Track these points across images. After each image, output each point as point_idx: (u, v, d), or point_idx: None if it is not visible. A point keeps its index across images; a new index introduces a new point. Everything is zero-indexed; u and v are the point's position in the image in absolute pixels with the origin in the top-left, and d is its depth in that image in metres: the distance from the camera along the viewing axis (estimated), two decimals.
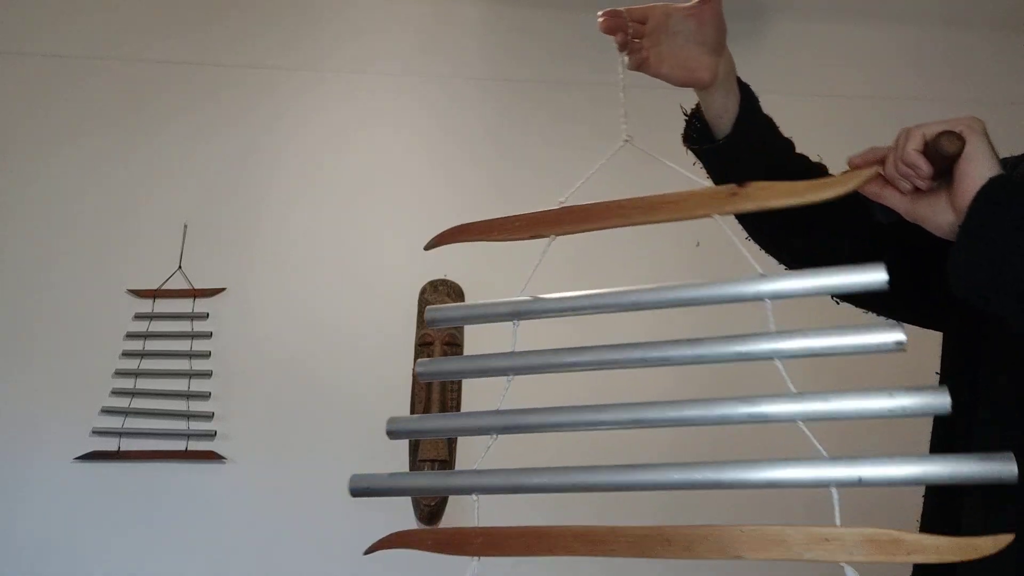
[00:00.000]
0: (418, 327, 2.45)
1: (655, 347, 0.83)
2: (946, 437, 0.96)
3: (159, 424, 2.41)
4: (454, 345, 2.39)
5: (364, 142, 2.75)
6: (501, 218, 0.94)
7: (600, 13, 0.97)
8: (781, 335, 0.78)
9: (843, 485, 0.71)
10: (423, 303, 2.45)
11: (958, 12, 2.95)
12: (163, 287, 2.54)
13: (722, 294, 0.82)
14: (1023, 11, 2.92)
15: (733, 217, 0.97)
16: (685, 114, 1.09)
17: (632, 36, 0.97)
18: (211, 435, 2.40)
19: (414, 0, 2.92)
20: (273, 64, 2.81)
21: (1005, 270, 0.76)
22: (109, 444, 2.38)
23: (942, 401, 0.72)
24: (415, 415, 2.21)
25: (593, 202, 0.90)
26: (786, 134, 1.09)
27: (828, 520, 0.71)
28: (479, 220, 0.96)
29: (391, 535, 0.88)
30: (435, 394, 2.32)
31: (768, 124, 1.06)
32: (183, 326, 2.51)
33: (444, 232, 0.97)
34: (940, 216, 0.83)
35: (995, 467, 0.68)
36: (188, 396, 2.44)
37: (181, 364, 2.48)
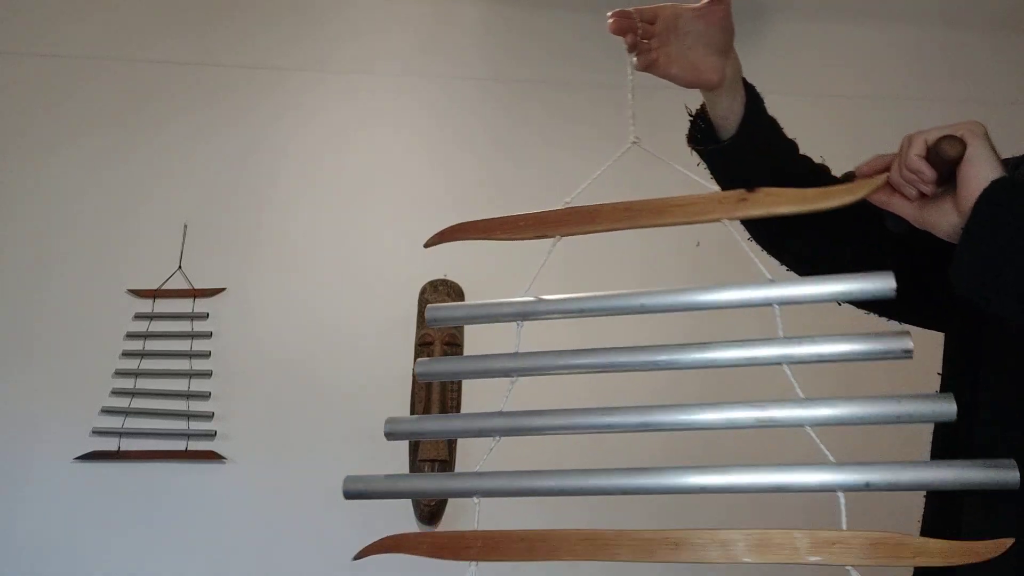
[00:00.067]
0: (418, 327, 2.44)
1: (664, 350, 0.83)
2: (947, 437, 0.96)
3: (159, 424, 2.41)
4: (454, 345, 2.39)
5: (364, 142, 2.75)
6: (504, 217, 0.93)
7: (610, 14, 0.96)
8: (790, 341, 0.78)
9: (851, 490, 0.72)
10: (423, 303, 2.45)
11: (958, 12, 2.96)
12: (163, 287, 2.53)
13: (731, 299, 0.82)
14: (1023, 11, 2.92)
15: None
16: (690, 115, 1.09)
17: (641, 37, 0.97)
18: (211, 435, 2.40)
19: (414, 0, 2.92)
20: (273, 64, 2.80)
21: (1007, 271, 0.77)
22: (109, 444, 2.38)
23: (948, 408, 0.73)
24: (414, 415, 2.21)
25: (600, 203, 0.89)
26: (787, 134, 1.09)
27: (827, 522, 0.71)
28: (481, 218, 0.95)
29: (384, 539, 0.86)
30: (435, 394, 2.32)
31: (773, 126, 1.06)
32: (183, 326, 2.51)
33: (445, 229, 0.96)
34: (946, 220, 0.84)
35: (999, 474, 0.70)
36: (188, 396, 2.44)
37: (181, 364, 2.47)
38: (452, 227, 0.96)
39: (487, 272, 2.39)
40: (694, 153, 1.08)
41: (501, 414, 0.87)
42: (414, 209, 2.62)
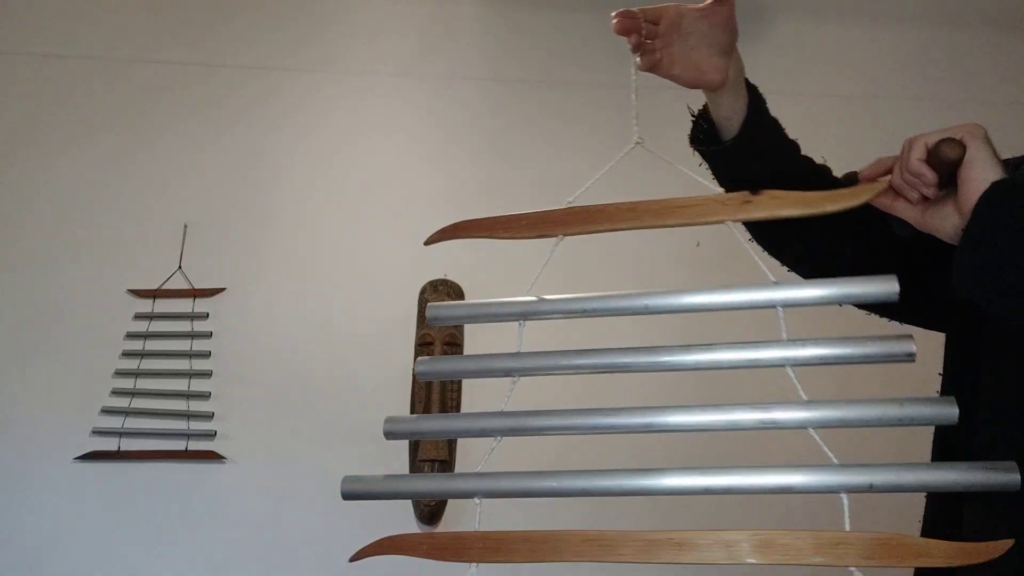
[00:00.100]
0: (418, 327, 2.44)
1: (666, 351, 0.83)
2: (948, 437, 0.96)
3: (159, 424, 2.41)
4: (454, 345, 2.39)
5: (364, 142, 2.75)
6: (506, 215, 0.92)
7: (614, 14, 0.96)
8: (793, 343, 0.78)
9: (854, 491, 0.72)
10: (423, 303, 2.45)
11: (957, 12, 2.96)
12: (163, 287, 2.53)
13: (735, 301, 0.82)
14: (1023, 11, 2.92)
15: None
16: (692, 115, 1.09)
17: (645, 37, 0.97)
18: (211, 435, 2.40)
19: (415, 1, 2.92)
20: (275, 65, 2.80)
21: (1007, 272, 0.77)
22: (109, 444, 2.38)
23: (950, 412, 0.73)
24: (414, 415, 2.21)
25: (603, 203, 0.89)
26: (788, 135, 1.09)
27: (827, 523, 0.71)
28: (482, 217, 0.94)
29: (381, 540, 0.84)
30: (435, 394, 2.32)
31: (775, 126, 1.06)
32: (183, 326, 2.51)
33: (446, 227, 0.95)
34: (948, 222, 0.84)
35: (1000, 476, 0.71)
36: (188, 396, 2.44)
37: (181, 364, 2.47)
38: (453, 225, 0.95)
39: (487, 273, 2.39)
40: (696, 154, 1.08)
41: (503, 414, 0.86)
42: (414, 209, 2.62)
